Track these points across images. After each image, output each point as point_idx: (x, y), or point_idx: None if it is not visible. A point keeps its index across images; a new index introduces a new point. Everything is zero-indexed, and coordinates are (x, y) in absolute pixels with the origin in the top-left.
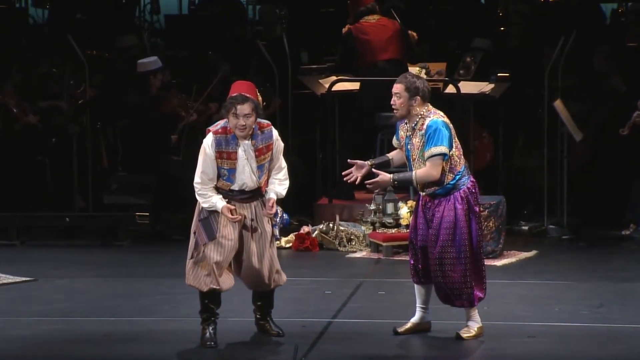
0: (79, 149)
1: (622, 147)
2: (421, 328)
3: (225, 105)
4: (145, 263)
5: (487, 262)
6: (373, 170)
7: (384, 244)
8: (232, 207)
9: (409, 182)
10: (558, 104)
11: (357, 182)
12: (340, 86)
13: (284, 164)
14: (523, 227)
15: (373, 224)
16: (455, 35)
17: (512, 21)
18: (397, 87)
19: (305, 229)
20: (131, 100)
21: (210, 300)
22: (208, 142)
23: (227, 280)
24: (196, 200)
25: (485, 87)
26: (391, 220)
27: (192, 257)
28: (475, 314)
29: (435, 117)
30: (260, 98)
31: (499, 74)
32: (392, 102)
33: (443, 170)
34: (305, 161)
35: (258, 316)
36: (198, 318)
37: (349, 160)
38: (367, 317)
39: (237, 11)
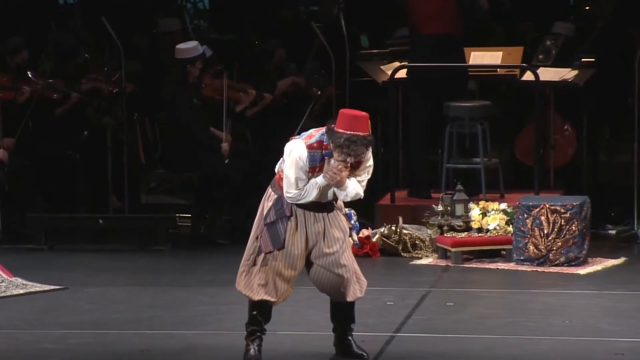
0: (113, 142)
1: None
2: None
3: (339, 140)
4: (186, 270)
5: (569, 269)
6: None
7: (453, 250)
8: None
9: None
10: None
11: None
12: (404, 73)
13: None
14: (610, 231)
15: (440, 227)
16: (533, 16)
17: None
18: None
19: (364, 232)
20: (166, 91)
21: (260, 312)
22: (302, 156)
23: (284, 294)
24: (245, 200)
25: (567, 73)
26: (461, 223)
27: (248, 260)
28: None
29: None
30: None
31: (583, 59)
32: None
33: None
34: None
35: (337, 334)
36: (243, 332)
37: None
38: (433, 332)
39: None
